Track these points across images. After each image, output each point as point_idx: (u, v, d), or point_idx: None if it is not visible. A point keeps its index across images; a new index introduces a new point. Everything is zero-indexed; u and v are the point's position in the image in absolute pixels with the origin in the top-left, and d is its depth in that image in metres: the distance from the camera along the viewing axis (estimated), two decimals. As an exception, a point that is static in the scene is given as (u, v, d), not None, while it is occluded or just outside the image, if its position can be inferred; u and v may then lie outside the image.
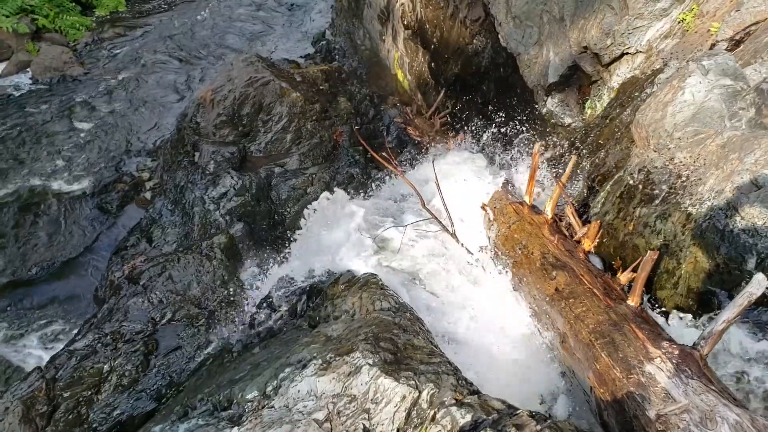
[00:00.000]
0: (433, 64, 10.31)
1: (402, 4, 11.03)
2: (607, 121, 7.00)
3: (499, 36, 8.40)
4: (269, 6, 16.38)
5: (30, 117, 12.54)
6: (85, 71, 13.92)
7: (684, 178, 5.18)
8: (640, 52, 6.84)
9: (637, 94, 6.67)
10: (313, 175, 9.63)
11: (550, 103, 7.89)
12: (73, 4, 15.55)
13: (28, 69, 13.91)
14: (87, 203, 10.34)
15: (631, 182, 5.68)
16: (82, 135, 12.08)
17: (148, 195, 10.38)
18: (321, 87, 11.40)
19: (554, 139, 7.77)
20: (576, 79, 7.58)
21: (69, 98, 13.06)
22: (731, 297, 4.25)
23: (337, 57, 13.87)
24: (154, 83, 13.60)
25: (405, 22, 10.99)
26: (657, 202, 5.27)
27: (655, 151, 5.53)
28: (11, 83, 13.63)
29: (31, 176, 11.03)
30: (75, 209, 10.28)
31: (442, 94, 10.08)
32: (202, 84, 13.10)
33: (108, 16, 15.84)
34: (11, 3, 14.23)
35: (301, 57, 14.10)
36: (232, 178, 9.39)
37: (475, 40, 9.20)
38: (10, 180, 10.95)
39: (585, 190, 6.67)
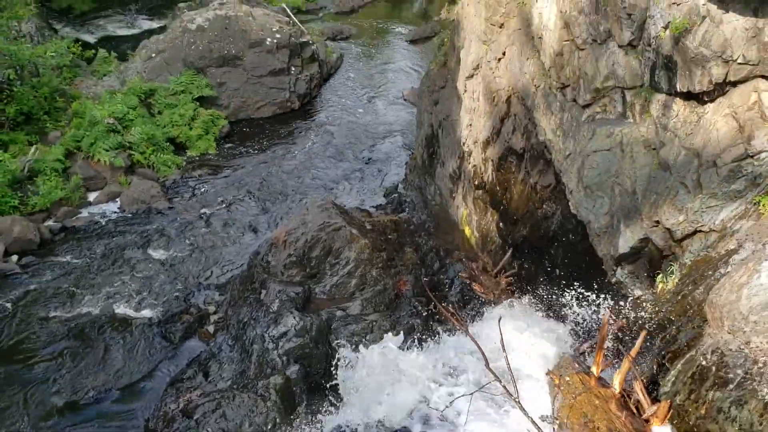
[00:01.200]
0: (501, 224, 10.50)
1: (474, 165, 11.47)
2: (679, 297, 6.86)
3: (570, 203, 8.54)
4: (348, 159, 17.29)
5: (112, 243, 13.25)
6: (169, 205, 14.78)
7: (761, 364, 4.96)
8: (714, 231, 6.80)
9: (710, 272, 6.56)
10: (374, 323, 9.62)
11: (620, 274, 7.82)
12: (168, 144, 16.82)
13: (117, 199, 14.90)
14: (151, 331, 10.56)
15: (703, 363, 5.46)
16: (157, 264, 12.61)
17: (211, 328, 10.55)
18: (389, 236, 11.67)
19: (623, 310, 7.62)
20: (647, 252, 7.54)
21: (150, 229, 13.80)
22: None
23: (407, 209, 14.32)
24: (231, 221, 14.26)
25: (476, 183, 11.36)
26: (732, 386, 5.02)
27: (729, 333, 5.35)
28: (100, 211, 14.56)
29: (103, 300, 11.47)
30: (139, 336, 10.50)
31: (509, 254, 10.16)
32: (277, 225, 13.66)
33: (198, 157, 17.01)
34: (113, 139, 15.51)
35: (373, 207, 14.62)
36: (294, 318, 9.48)
37: (545, 205, 9.38)
38: (83, 302, 11.41)
39: (655, 367, 6.42)
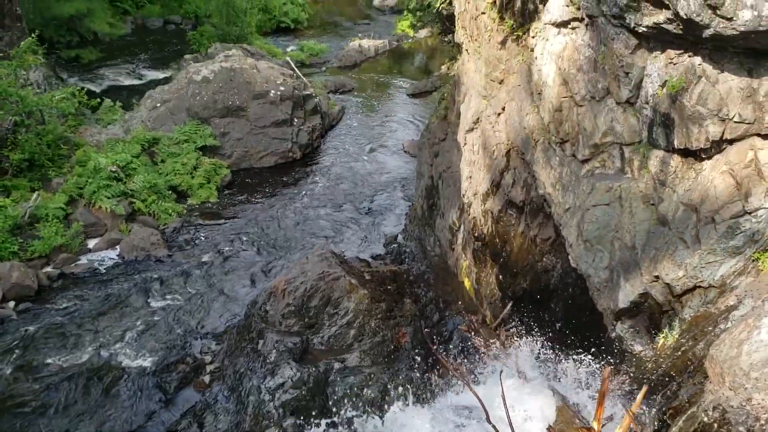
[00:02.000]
0: (501, 276, 10.50)
1: (474, 217, 11.53)
2: (679, 353, 6.82)
3: (570, 257, 8.57)
4: (348, 208, 17.38)
5: (109, 291, 13.21)
6: (169, 253, 14.78)
7: (763, 422, 4.92)
8: (713, 286, 6.81)
9: (710, 328, 6.55)
10: (373, 375, 9.53)
11: (620, 329, 7.79)
12: (170, 192, 16.93)
13: (117, 246, 14.90)
14: (147, 380, 10.45)
15: (705, 420, 5.41)
16: (155, 312, 12.54)
17: (207, 378, 10.43)
18: (388, 287, 11.65)
19: (624, 365, 7.57)
20: (647, 307, 7.52)
21: (149, 277, 13.77)
22: None
23: (406, 260, 14.32)
24: (230, 270, 14.24)
25: (476, 234, 11.40)
26: (735, 445, 4.96)
27: (731, 390, 5.32)
28: (99, 258, 14.55)
29: (99, 348, 11.36)
30: (134, 385, 10.39)
31: (509, 307, 10.13)
32: (275, 274, 13.64)
33: (199, 205, 17.09)
34: (115, 187, 15.62)
35: (372, 256, 14.63)
36: (291, 369, 9.41)
37: (545, 258, 9.40)
38: (79, 349, 11.30)
39: (656, 422, 6.36)
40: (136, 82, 24.94)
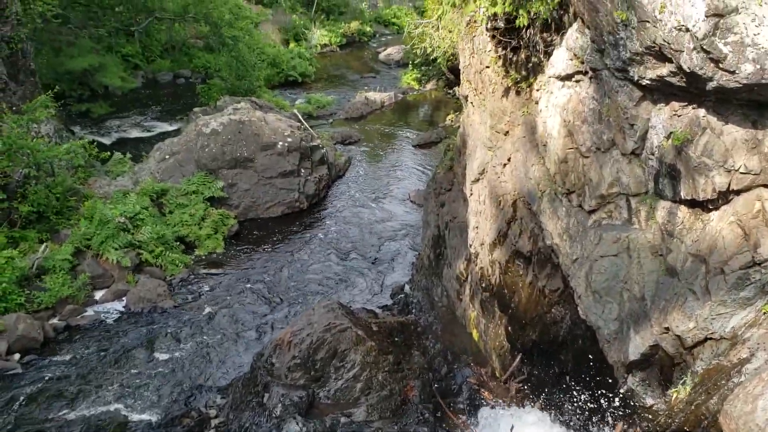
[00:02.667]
0: (509, 328, 10.40)
1: (481, 267, 11.49)
2: (693, 407, 6.70)
3: (579, 308, 8.50)
4: (355, 258, 17.36)
5: (115, 343, 13.13)
6: (175, 304, 14.73)
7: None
8: (725, 338, 6.72)
9: (723, 382, 6.44)
10: (380, 430, 9.37)
11: (631, 381, 7.67)
12: (178, 243, 16.98)
13: (123, 298, 14.87)
14: (150, 435, 10.30)
15: (723, 478, 5.27)
16: (160, 365, 12.44)
17: (211, 433, 10.27)
18: (396, 339, 11.55)
19: (636, 419, 7.42)
20: (658, 360, 7.42)
21: (154, 329, 13.71)
22: None
23: (413, 311, 14.22)
24: (236, 321, 14.17)
25: (483, 285, 11.34)
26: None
27: (748, 447, 5.20)
28: (105, 309, 14.52)
29: (104, 401, 11.25)
30: (137, 440, 10.24)
31: (518, 360, 10.00)
32: (282, 325, 13.56)
33: (205, 256, 17.11)
34: (123, 238, 15.68)
35: (379, 307, 14.54)
36: (297, 424, 9.26)
37: (553, 310, 9.32)
38: (83, 403, 11.19)
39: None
40: (145, 134, 25.31)
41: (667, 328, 7.14)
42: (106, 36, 28.71)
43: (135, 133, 25.27)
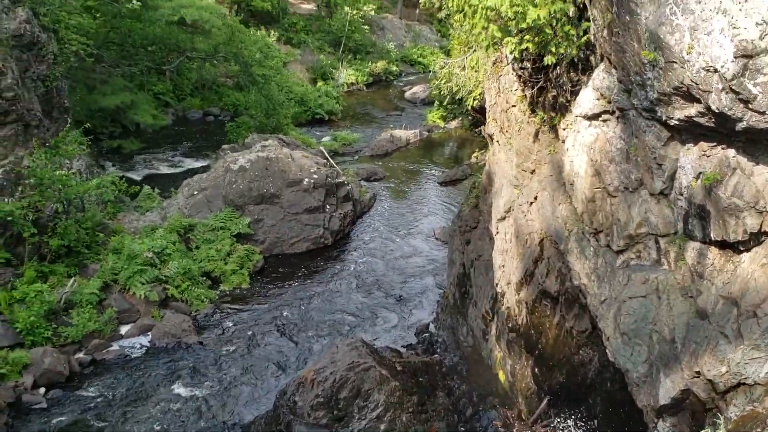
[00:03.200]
0: (536, 369, 10.22)
1: (508, 307, 11.37)
2: (728, 455, 6.47)
3: (607, 350, 8.33)
4: (379, 296, 17.30)
5: (139, 379, 13.16)
6: (199, 340, 14.76)
7: None
8: (759, 384, 6.51)
9: (758, 430, 6.22)
10: (403, 472, 9.21)
11: (662, 427, 7.45)
12: (204, 278, 17.09)
13: (149, 333, 14.96)
14: (173, 472, 10.23)
15: None
16: (183, 401, 12.42)
17: (233, 471, 10.18)
18: (420, 379, 11.42)
19: (668, 467, 7.19)
20: (689, 404, 7.21)
21: (179, 364, 13.72)
22: None
23: (438, 350, 14.07)
24: (260, 357, 14.14)
25: (510, 325, 11.20)
26: None
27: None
28: (131, 344, 14.59)
29: (126, 437, 11.24)
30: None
31: (545, 402, 9.79)
32: (306, 363, 13.48)
33: (230, 291, 17.18)
34: (150, 273, 15.83)
35: (403, 346, 14.42)
36: (320, 464, 9.15)
37: (581, 351, 9.16)
38: (106, 437, 11.19)
39: None
40: (175, 170, 25.70)
41: (698, 372, 6.95)
42: (139, 74, 29.38)
43: (165, 169, 25.69)
